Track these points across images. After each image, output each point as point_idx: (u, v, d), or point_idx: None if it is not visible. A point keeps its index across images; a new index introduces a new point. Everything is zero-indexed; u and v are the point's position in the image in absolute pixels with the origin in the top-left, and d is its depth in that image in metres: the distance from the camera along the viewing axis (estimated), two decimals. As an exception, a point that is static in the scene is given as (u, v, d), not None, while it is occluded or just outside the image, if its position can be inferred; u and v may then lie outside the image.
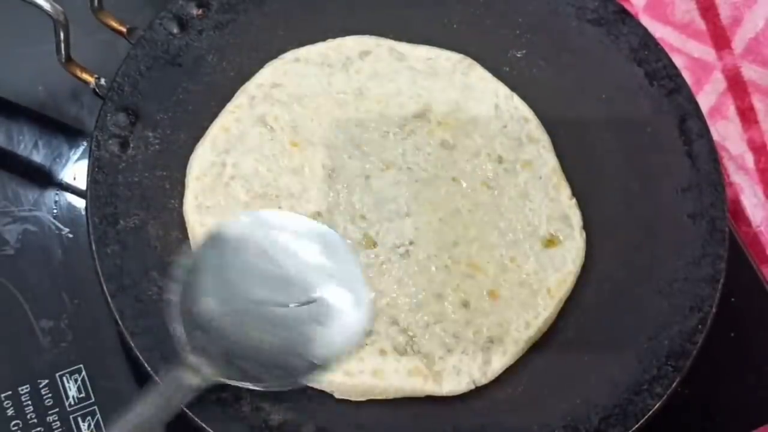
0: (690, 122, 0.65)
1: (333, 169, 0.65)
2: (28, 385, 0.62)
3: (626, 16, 0.69)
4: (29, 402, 0.61)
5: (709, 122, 0.66)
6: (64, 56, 0.64)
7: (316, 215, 0.63)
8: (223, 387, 0.56)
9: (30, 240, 0.67)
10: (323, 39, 0.70)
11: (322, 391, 0.59)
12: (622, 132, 0.68)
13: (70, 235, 0.67)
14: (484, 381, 0.60)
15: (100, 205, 0.59)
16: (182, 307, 0.54)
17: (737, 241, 0.71)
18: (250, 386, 0.54)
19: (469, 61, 0.70)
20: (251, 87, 0.67)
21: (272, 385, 0.55)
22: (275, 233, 0.57)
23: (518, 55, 0.71)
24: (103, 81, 0.64)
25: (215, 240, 0.57)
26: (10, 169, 0.70)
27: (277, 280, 0.57)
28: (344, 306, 0.56)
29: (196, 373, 0.52)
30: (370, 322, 0.58)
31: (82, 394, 0.62)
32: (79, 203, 0.68)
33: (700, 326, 0.59)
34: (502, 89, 0.70)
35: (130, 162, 0.62)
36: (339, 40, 0.70)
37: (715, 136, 0.68)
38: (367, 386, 0.59)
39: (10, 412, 0.61)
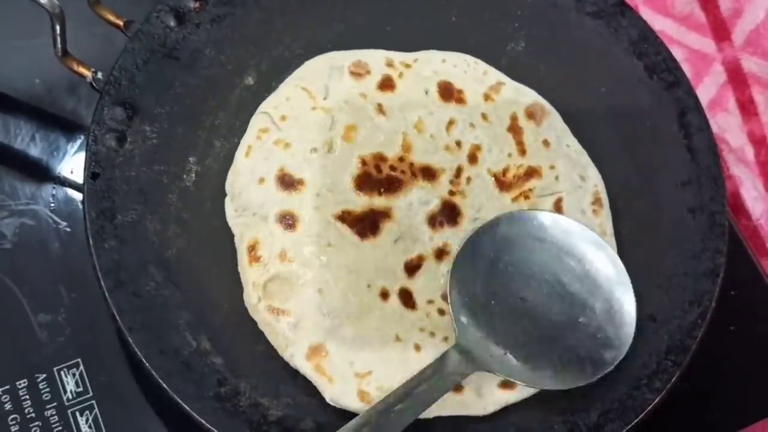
0: (689, 116, 0.65)
1: None
2: (25, 380, 0.62)
3: (625, 8, 0.68)
4: (27, 396, 0.61)
5: (708, 114, 0.66)
6: (60, 50, 0.63)
7: None
8: (221, 382, 0.56)
9: (27, 234, 0.67)
10: (320, 31, 0.70)
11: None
12: (622, 125, 0.68)
13: (68, 229, 0.67)
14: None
15: (98, 200, 0.59)
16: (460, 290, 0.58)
17: (737, 234, 0.71)
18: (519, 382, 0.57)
19: None
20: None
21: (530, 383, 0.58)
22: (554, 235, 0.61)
23: (518, 48, 0.71)
24: (100, 75, 0.64)
25: (492, 231, 0.60)
26: (7, 163, 0.69)
27: (549, 287, 0.60)
28: (605, 329, 0.59)
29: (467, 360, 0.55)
30: (624, 350, 0.59)
31: (80, 389, 0.62)
32: (77, 197, 0.68)
33: (699, 321, 0.59)
34: None
35: (127, 156, 0.62)
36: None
37: (715, 129, 0.67)
38: None
39: (8, 406, 0.61)
